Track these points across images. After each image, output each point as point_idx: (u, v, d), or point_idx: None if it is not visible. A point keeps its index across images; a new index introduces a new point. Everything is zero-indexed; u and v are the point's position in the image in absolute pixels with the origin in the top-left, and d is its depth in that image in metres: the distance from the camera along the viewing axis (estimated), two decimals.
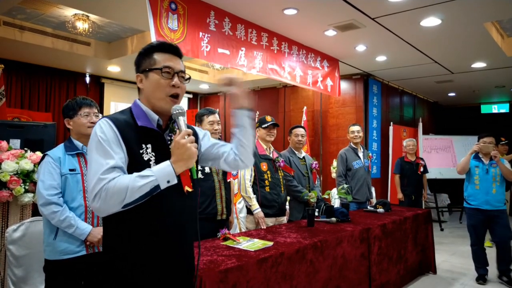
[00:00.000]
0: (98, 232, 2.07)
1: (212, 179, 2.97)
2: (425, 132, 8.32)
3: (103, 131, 1.29)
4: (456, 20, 4.47)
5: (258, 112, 7.34)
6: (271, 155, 3.49)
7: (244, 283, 2.12)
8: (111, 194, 1.21)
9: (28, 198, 2.67)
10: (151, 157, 1.35)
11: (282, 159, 3.55)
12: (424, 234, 4.32)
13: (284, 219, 3.54)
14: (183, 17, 3.69)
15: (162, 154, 1.36)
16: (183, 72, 1.45)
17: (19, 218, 2.77)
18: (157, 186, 1.25)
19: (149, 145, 1.36)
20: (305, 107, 7.26)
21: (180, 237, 1.40)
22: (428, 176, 6.83)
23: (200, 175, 2.94)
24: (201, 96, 9.44)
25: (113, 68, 6.92)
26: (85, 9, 4.54)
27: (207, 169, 2.96)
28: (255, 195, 3.31)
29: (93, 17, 5.05)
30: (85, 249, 2.07)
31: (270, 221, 3.37)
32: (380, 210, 4.15)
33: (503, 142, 5.97)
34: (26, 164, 2.64)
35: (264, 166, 3.40)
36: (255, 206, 3.26)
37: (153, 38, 3.43)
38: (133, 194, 1.22)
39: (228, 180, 3.11)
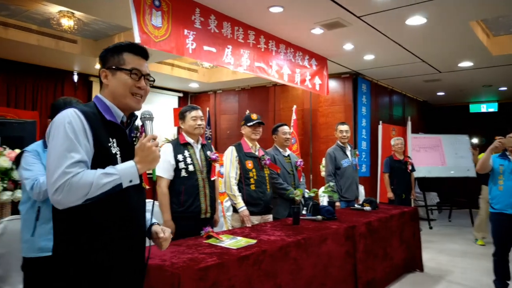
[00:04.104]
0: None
1: (195, 177, 2.95)
2: (414, 131, 8.37)
3: (71, 122, 1.29)
4: (441, 19, 4.49)
5: (248, 111, 7.31)
6: (256, 153, 3.48)
7: (225, 281, 2.10)
8: (75, 189, 1.22)
9: (6, 196, 2.63)
10: (117, 151, 1.38)
11: (268, 157, 3.54)
12: (410, 232, 4.33)
13: (270, 217, 3.52)
14: (167, 14, 3.66)
15: (125, 150, 1.41)
16: (149, 75, 1.50)
17: None
18: (120, 185, 1.29)
19: (114, 140, 1.39)
20: (294, 106, 7.25)
21: (135, 230, 1.44)
22: (417, 174, 6.87)
23: (183, 174, 2.92)
24: (191, 95, 9.40)
25: None
26: (69, 6, 4.49)
27: (190, 168, 2.94)
28: (240, 193, 3.29)
29: (78, 14, 4.99)
30: None
31: (256, 219, 3.35)
32: (367, 208, 4.16)
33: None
34: (4, 162, 2.60)
35: (249, 164, 3.38)
36: (240, 204, 3.25)
37: (137, 35, 3.39)
38: (96, 190, 1.25)
39: (213, 179, 3.10)
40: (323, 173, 6.59)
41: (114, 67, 1.42)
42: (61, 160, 1.24)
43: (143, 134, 1.44)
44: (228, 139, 8.25)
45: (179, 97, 9.20)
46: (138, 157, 1.36)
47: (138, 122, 1.53)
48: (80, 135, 1.29)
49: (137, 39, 3.39)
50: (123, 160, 1.37)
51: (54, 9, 4.90)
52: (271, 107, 8.10)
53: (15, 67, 6.45)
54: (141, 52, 1.48)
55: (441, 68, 6.84)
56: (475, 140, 8.06)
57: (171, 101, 9.02)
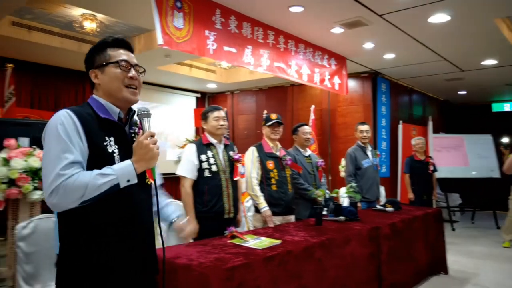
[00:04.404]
0: None
1: (219, 177, 2.96)
2: (435, 131, 8.22)
3: (63, 123, 1.27)
4: (465, 16, 4.39)
5: (266, 111, 7.31)
6: (277, 153, 3.47)
7: (251, 281, 2.10)
8: (70, 191, 1.20)
9: (37, 195, 2.69)
10: (114, 149, 1.35)
11: (289, 157, 3.52)
12: (435, 233, 4.25)
13: (292, 218, 3.51)
14: (189, 15, 3.68)
15: (124, 148, 1.38)
16: (138, 65, 1.47)
17: (28, 215, 2.79)
18: (117, 185, 1.26)
19: (111, 138, 1.36)
20: (313, 106, 7.20)
21: (137, 228, 1.41)
22: (439, 175, 6.73)
23: (207, 174, 2.94)
24: (209, 95, 9.45)
25: None
26: (92, 9, 4.56)
27: (214, 168, 2.95)
28: (262, 194, 3.28)
29: (100, 16, 5.08)
30: None
31: (278, 220, 3.33)
32: (390, 209, 4.10)
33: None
34: (35, 162, 2.66)
35: (270, 164, 3.37)
36: (263, 204, 3.24)
37: (159, 37, 3.43)
38: (92, 192, 1.22)
39: (235, 179, 3.10)
40: (342, 174, 6.53)
41: (102, 63, 1.40)
42: (55, 162, 1.22)
43: (141, 131, 1.39)
44: (246, 139, 8.26)
45: (197, 98, 9.26)
46: (136, 156, 1.31)
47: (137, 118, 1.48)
48: (73, 135, 1.27)
49: (160, 41, 3.43)
50: (122, 158, 1.34)
51: (76, 12, 5.00)
52: (289, 107, 8.08)
53: (38, 69, 6.61)
54: (125, 44, 1.46)
55: (463, 66, 6.70)
56: (505, 140, 7.84)
57: (189, 101, 9.09)
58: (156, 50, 5.72)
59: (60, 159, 1.21)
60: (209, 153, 2.98)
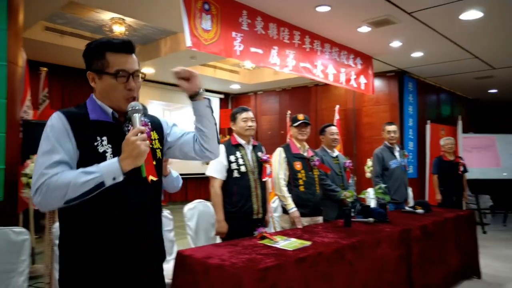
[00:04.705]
0: None
1: (247, 178, 2.97)
2: (463, 131, 7.98)
3: (53, 124, 1.29)
4: (498, 12, 4.25)
5: (289, 112, 7.29)
6: (305, 154, 3.45)
7: (283, 282, 2.09)
8: (52, 189, 1.20)
9: None
10: (107, 149, 1.33)
11: (317, 158, 3.50)
12: (466, 236, 4.12)
13: (320, 219, 3.48)
14: (216, 17, 3.72)
15: (119, 146, 1.31)
16: (137, 71, 1.41)
17: None
18: (102, 183, 1.23)
19: (104, 137, 1.34)
20: (337, 106, 7.12)
21: (133, 227, 1.37)
22: (469, 176, 6.53)
23: (236, 174, 2.95)
24: (232, 96, 9.51)
25: (148, 70, 7.09)
26: (121, 12, 4.68)
27: (242, 168, 2.96)
28: (290, 194, 3.28)
29: (129, 20, 5.20)
30: None
31: (305, 221, 3.31)
32: (419, 210, 4.01)
33: None
34: None
35: (298, 165, 3.35)
36: (291, 205, 3.23)
37: (187, 39, 3.48)
38: (75, 190, 1.20)
39: (264, 179, 3.11)
40: (368, 174, 6.43)
41: (99, 70, 1.36)
42: (41, 162, 1.24)
43: (131, 128, 1.34)
44: (269, 140, 8.26)
45: (220, 99, 9.34)
46: (123, 153, 1.26)
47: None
48: (61, 137, 1.27)
49: (188, 43, 3.47)
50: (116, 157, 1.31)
51: (106, 16, 5.14)
52: (313, 107, 8.03)
53: (69, 72, 6.83)
54: (123, 47, 1.38)
55: (495, 64, 6.48)
56: None
57: (213, 102, 9.16)
58: (181, 52, 5.81)
59: (46, 160, 1.24)
60: (238, 154, 3.00)
